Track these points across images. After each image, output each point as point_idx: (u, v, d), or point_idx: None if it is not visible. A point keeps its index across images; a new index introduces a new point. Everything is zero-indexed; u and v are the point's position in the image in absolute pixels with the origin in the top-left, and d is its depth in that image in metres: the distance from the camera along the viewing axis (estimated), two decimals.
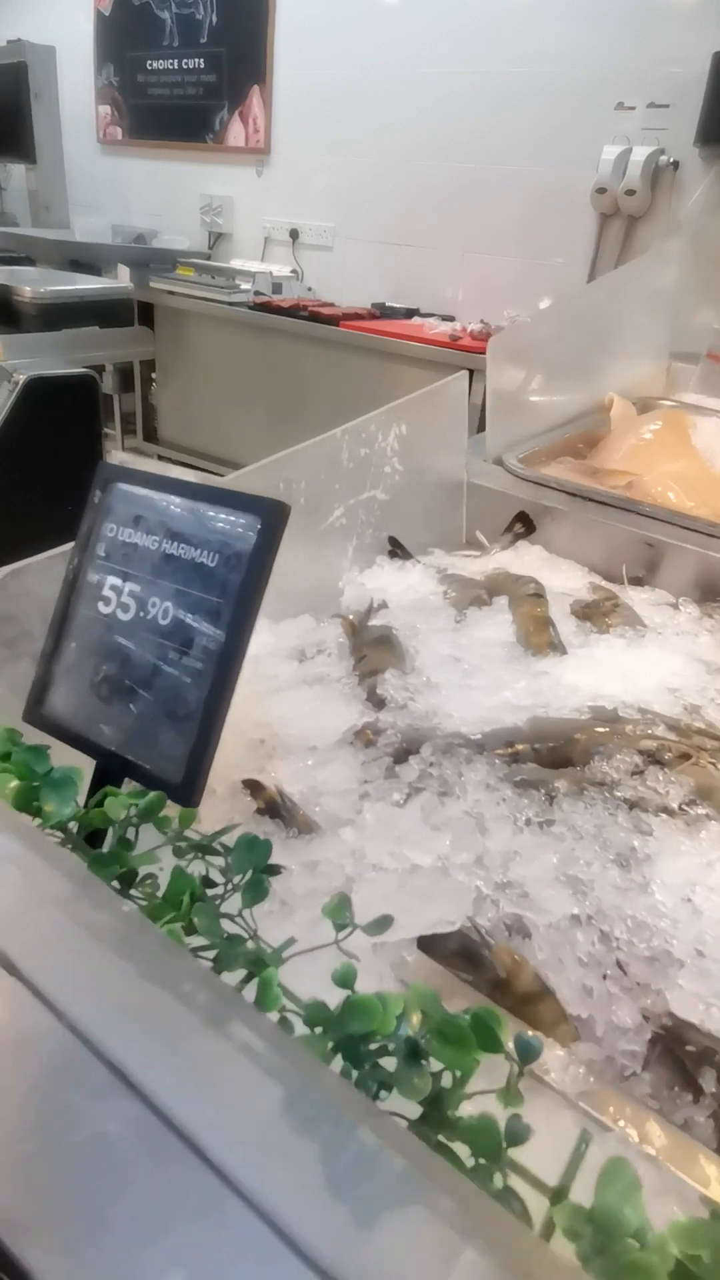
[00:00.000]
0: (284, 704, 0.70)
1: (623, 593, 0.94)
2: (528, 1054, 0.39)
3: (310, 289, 3.48)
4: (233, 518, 0.55)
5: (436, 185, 3.04)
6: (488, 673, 0.76)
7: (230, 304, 3.05)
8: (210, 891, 0.49)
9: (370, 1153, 0.36)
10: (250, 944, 0.46)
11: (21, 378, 2.07)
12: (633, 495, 1.11)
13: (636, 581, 0.99)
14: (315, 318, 2.87)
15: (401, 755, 0.65)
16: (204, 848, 0.50)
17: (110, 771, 0.57)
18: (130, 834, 0.53)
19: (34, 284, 2.68)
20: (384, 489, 0.96)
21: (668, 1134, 0.42)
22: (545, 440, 1.27)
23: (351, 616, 0.85)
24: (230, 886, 0.49)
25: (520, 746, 0.66)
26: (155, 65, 3.82)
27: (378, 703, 0.73)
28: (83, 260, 3.46)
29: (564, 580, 0.99)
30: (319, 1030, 0.40)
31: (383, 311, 3.09)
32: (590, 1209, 0.33)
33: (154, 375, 3.49)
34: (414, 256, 3.20)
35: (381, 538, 1.00)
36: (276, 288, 3.24)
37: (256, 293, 3.11)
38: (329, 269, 3.49)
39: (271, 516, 0.53)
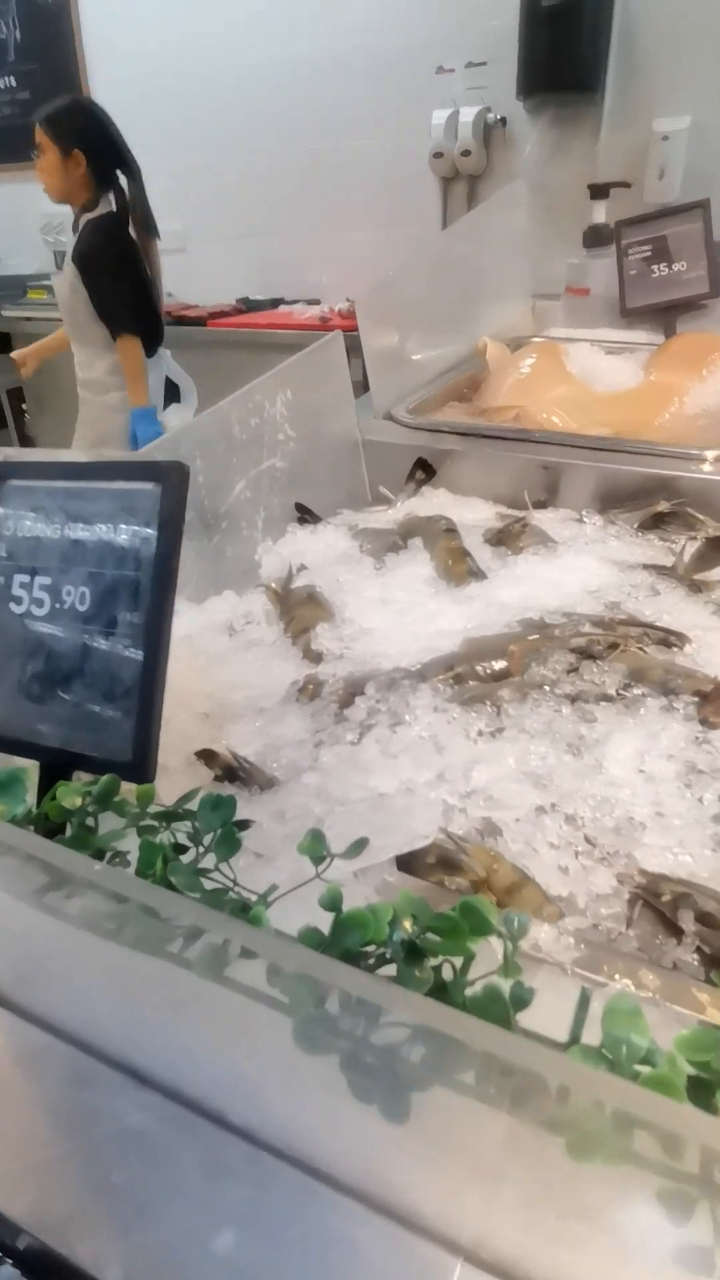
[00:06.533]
0: (224, 673, 0.70)
1: (529, 517, 0.97)
2: (516, 929, 0.40)
3: (170, 294, 3.44)
4: (132, 487, 0.54)
5: (283, 171, 3.00)
6: (417, 609, 0.78)
7: None
8: (182, 858, 0.48)
9: (394, 1050, 0.37)
10: (232, 894, 0.46)
11: None
12: (522, 425, 1.14)
13: (540, 505, 1.02)
14: (182, 321, 2.83)
15: (347, 700, 0.66)
16: (169, 815, 0.49)
17: (57, 768, 0.55)
18: (91, 824, 0.52)
19: None
20: (281, 456, 0.96)
21: (660, 976, 0.44)
22: (430, 390, 1.29)
23: (274, 584, 0.85)
24: (202, 849, 0.49)
25: (460, 668, 0.68)
26: None
27: (314, 657, 0.74)
28: None
29: (473, 515, 1.01)
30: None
31: (248, 305, 3.06)
32: (600, 1044, 0.35)
33: (25, 407, 3.37)
34: (272, 246, 3.16)
35: (288, 506, 1.00)
36: None
37: None
38: (185, 271, 3.36)
39: (172, 477, 0.53)
